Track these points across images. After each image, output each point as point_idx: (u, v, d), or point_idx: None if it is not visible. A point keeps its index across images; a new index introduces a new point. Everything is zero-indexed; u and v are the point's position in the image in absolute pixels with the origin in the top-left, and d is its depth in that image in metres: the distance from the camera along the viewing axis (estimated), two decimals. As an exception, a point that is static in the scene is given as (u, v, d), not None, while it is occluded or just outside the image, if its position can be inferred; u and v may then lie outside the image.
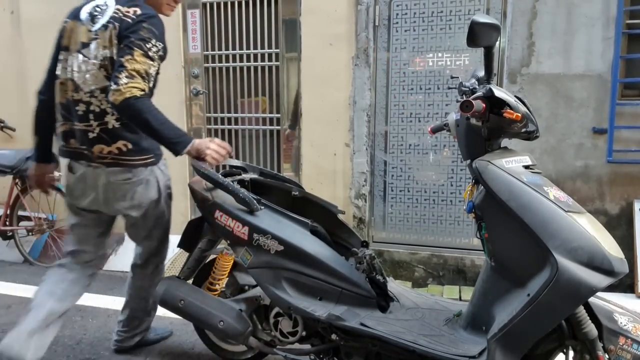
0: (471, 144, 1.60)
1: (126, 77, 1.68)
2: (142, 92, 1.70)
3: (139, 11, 1.82)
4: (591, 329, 1.44)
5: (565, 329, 1.47)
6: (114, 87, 1.68)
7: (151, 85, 1.79)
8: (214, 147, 1.83)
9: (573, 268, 1.34)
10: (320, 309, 1.75)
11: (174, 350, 2.44)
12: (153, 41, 1.76)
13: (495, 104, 1.51)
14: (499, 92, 1.49)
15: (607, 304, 1.53)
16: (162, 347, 2.47)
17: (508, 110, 1.47)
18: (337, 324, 1.71)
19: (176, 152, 1.78)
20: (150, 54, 1.75)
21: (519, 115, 1.45)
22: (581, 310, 1.44)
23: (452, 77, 1.92)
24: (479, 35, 1.48)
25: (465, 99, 1.47)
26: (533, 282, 1.42)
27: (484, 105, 1.48)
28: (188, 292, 1.99)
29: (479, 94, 1.53)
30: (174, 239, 3.61)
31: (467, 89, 1.67)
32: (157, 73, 1.87)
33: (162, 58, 1.84)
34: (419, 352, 1.58)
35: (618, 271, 1.35)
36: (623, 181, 3.04)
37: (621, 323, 1.46)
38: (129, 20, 1.80)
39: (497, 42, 3.18)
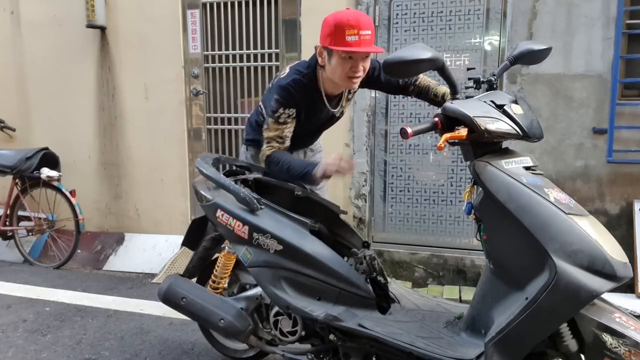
0: (464, 152, 1.60)
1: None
2: (272, 150, 1.96)
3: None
4: (571, 343, 1.40)
5: (545, 338, 1.43)
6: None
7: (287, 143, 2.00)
8: (343, 165, 1.87)
9: (572, 272, 1.31)
10: (318, 309, 1.74)
11: (174, 350, 2.44)
12: (281, 109, 1.93)
13: (454, 120, 1.48)
14: (453, 110, 1.47)
15: (609, 321, 1.37)
16: (162, 347, 2.48)
17: (458, 128, 1.45)
18: (335, 324, 1.70)
19: (312, 183, 1.95)
20: (281, 119, 1.95)
21: (463, 135, 1.43)
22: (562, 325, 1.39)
23: (468, 69, 1.90)
24: (396, 73, 1.55)
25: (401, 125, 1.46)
26: (531, 285, 1.39)
27: (439, 122, 1.48)
28: (190, 290, 2.00)
29: (438, 111, 1.53)
30: (176, 238, 3.62)
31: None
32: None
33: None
34: (416, 354, 1.57)
35: (621, 275, 1.31)
36: (623, 181, 3.03)
37: (611, 344, 1.34)
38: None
39: (498, 43, 3.20)
